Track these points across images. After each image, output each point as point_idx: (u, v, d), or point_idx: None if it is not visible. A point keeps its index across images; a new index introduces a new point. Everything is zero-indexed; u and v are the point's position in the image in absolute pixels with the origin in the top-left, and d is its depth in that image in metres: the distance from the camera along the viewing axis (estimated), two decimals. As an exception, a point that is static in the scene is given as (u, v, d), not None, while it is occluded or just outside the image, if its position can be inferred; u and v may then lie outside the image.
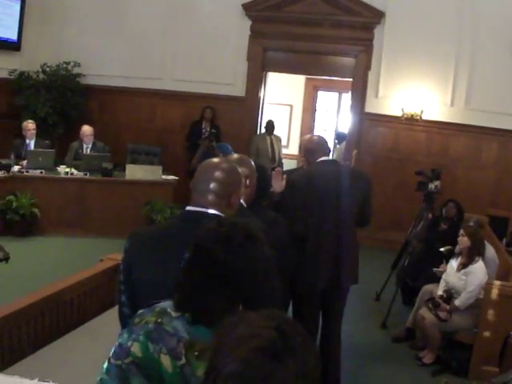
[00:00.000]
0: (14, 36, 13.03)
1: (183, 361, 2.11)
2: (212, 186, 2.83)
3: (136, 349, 2.16)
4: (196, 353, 2.10)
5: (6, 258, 1.35)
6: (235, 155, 4.03)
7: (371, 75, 12.14)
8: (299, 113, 18.21)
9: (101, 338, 4.69)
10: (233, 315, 1.53)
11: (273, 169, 5.50)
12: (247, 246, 2.17)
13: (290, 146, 17.41)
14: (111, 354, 2.22)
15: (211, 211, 2.79)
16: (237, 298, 2.15)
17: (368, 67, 12.14)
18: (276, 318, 1.48)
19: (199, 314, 2.14)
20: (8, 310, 4.34)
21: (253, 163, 3.95)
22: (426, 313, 6.93)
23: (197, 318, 2.14)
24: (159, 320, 2.18)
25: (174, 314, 2.19)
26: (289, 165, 12.66)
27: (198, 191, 2.86)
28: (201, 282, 2.16)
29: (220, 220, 2.31)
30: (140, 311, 2.31)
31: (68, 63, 13.22)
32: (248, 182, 3.73)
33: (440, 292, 7.09)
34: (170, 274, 2.41)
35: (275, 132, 13.06)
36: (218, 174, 2.85)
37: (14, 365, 4.23)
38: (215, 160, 2.99)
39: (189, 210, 2.86)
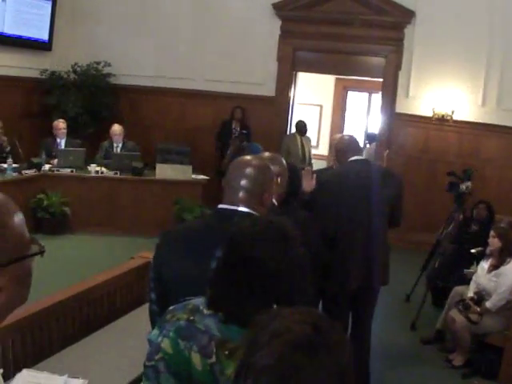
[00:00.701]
0: (45, 36, 13.12)
1: (213, 359, 2.10)
2: (243, 183, 2.81)
3: (166, 345, 2.16)
4: (227, 351, 2.09)
5: (42, 252, 1.35)
6: (267, 153, 4.02)
7: (401, 75, 12.08)
8: (329, 113, 18.16)
9: (130, 336, 4.72)
10: (267, 312, 1.52)
11: (303, 169, 5.48)
12: (282, 244, 2.16)
13: (320, 147, 17.34)
14: (146, 356, 2.22)
15: (242, 209, 2.78)
16: (271, 297, 2.13)
17: (398, 67, 12.07)
18: (312, 314, 1.46)
19: (232, 312, 2.12)
20: (38, 307, 4.37)
21: (284, 162, 3.94)
22: (456, 315, 6.87)
23: (229, 317, 2.13)
24: (191, 317, 2.18)
25: (206, 311, 2.18)
26: (319, 165, 12.62)
27: (230, 189, 2.85)
28: (235, 280, 2.14)
29: (254, 219, 2.31)
30: (171, 307, 2.30)
31: (98, 63, 13.27)
32: (279, 180, 3.72)
33: (470, 294, 7.02)
34: (201, 271, 2.41)
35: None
36: (249, 170, 2.83)
37: (43, 361, 4.26)
38: (247, 157, 2.98)
39: (220, 208, 2.86)
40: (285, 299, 2.10)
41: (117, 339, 4.77)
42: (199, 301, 2.25)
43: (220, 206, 2.86)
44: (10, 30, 12.28)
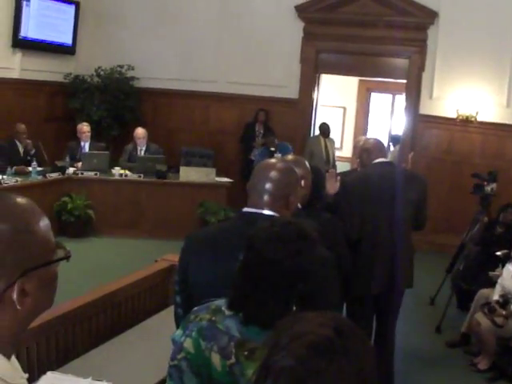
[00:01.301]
0: (68, 40, 13.23)
1: (233, 360, 2.12)
2: (268, 186, 2.81)
3: (188, 344, 2.19)
4: (246, 352, 2.11)
5: (68, 257, 1.35)
6: (290, 156, 4.03)
7: (425, 76, 12.02)
8: (352, 115, 18.12)
9: (154, 338, 4.73)
10: (290, 315, 1.51)
11: (327, 171, 5.48)
12: (300, 245, 2.16)
13: (344, 149, 17.32)
14: (170, 356, 2.24)
15: (267, 212, 2.78)
16: (290, 298, 2.13)
17: (422, 68, 12.01)
18: (336, 318, 1.45)
19: (252, 313, 2.14)
20: (63, 310, 4.39)
21: (307, 164, 3.94)
22: (481, 318, 6.81)
23: (250, 318, 2.14)
24: (213, 318, 2.20)
25: (227, 312, 2.20)
26: (342, 167, 12.60)
27: (254, 192, 2.86)
28: (254, 281, 2.16)
29: (273, 220, 2.31)
30: (195, 308, 2.33)
31: (122, 66, 13.33)
32: (303, 183, 3.71)
33: (496, 297, 6.96)
34: (225, 274, 2.41)
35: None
36: (273, 174, 2.83)
37: (68, 363, 4.28)
38: (271, 160, 3.00)
39: (245, 211, 2.86)
40: (306, 301, 2.10)
41: (141, 342, 4.79)
42: (222, 302, 2.27)
43: (245, 209, 2.87)
44: (34, 34, 12.39)
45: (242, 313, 2.16)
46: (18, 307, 1.45)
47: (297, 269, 2.12)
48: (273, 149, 11.46)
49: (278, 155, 9.97)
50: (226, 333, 2.14)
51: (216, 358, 2.12)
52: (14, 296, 1.44)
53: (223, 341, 2.13)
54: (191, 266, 2.82)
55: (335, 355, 1.33)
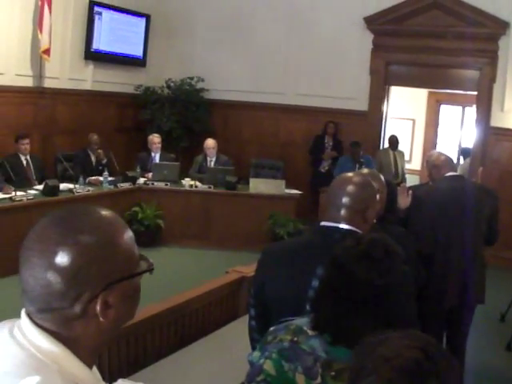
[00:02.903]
0: (139, 53, 13.45)
1: (318, 380, 2.07)
2: (345, 200, 2.80)
3: (269, 366, 2.13)
4: (333, 373, 2.06)
5: (151, 269, 1.35)
6: (365, 170, 4.01)
7: (496, 88, 11.80)
8: (422, 127, 17.93)
9: (224, 350, 4.74)
10: (373, 335, 1.49)
11: (397, 184, 5.44)
12: (389, 262, 2.13)
13: (413, 161, 17.17)
14: (246, 378, 2.21)
15: (344, 226, 2.77)
16: (379, 317, 2.09)
17: (493, 80, 11.81)
18: (420, 338, 1.44)
19: (340, 334, 2.09)
20: (134, 319, 4.42)
21: (382, 178, 3.92)
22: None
23: (337, 338, 2.09)
24: (295, 338, 2.15)
25: (310, 332, 2.15)
26: (412, 180, 12.49)
27: (332, 206, 2.85)
28: (341, 301, 2.11)
29: (358, 237, 2.27)
30: (272, 329, 2.28)
31: (192, 78, 13.46)
32: (378, 197, 3.69)
33: None
34: (302, 289, 2.40)
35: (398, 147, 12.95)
36: (350, 188, 2.83)
37: (137, 372, 4.31)
38: (349, 174, 2.97)
39: (322, 225, 2.85)
40: (394, 318, 2.06)
41: (211, 353, 4.80)
42: (302, 321, 2.22)
43: (322, 223, 2.86)
44: (106, 47, 12.64)
45: (330, 333, 2.11)
46: (102, 319, 1.47)
47: (387, 287, 2.08)
48: (362, 160, 11.39)
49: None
50: (311, 353, 2.09)
51: (301, 379, 2.07)
52: (98, 308, 1.46)
53: (308, 361, 2.08)
54: (267, 280, 2.83)
55: (424, 378, 1.32)
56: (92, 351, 1.53)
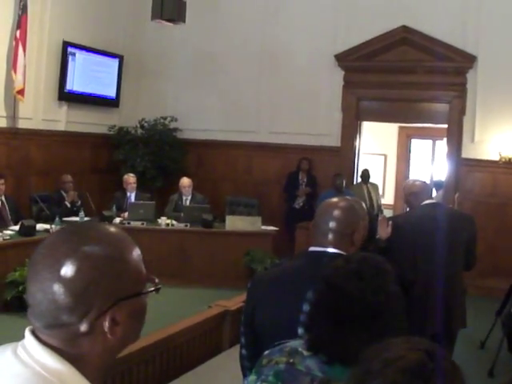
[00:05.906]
0: (112, 93, 13.52)
1: None
2: (332, 224, 2.85)
3: None
4: None
5: (158, 289, 1.36)
6: (348, 197, 4.06)
7: (466, 120, 11.98)
8: (393, 162, 18.05)
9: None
10: (379, 342, 1.52)
11: (376, 216, 5.50)
12: (380, 279, 2.14)
13: (386, 196, 17.27)
14: None
15: (331, 250, 2.81)
16: (374, 334, 2.07)
17: (463, 112, 11.98)
18: (422, 342, 1.47)
19: (335, 353, 2.08)
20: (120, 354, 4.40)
21: (364, 205, 3.97)
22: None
23: (333, 357, 2.08)
24: (291, 360, 2.14)
25: (306, 353, 2.15)
26: (386, 214, 12.55)
27: (318, 231, 2.89)
28: (334, 320, 2.11)
29: (347, 257, 2.29)
30: (266, 352, 2.27)
31: (165, 118, 13.53)
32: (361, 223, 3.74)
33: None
34: (292, 314, 2.41)
35: (371, 180, 13.06)
36: (336, 212, 2.88)
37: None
38: (334, 199, 3.02)
39: (310, 251, 2.89)
40: (389, 333, 2.08)
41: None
42: (296, 343, 2.22)
43: (310, 248, 2.90)
44: (80, 87, 12.71)
45: (325, 352, 2.10)
46: (109, 336, 1.47)
47: (380, 304, 2.10)
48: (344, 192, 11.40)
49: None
50: (307, 373, 2.08)
51: None
52: (106, 325, 1.46)
53: (305, 381, 2.07)
54: (257, 306, 2.84)
55: (430, 378, 1.35)
56: (98, 370, 1.51)
